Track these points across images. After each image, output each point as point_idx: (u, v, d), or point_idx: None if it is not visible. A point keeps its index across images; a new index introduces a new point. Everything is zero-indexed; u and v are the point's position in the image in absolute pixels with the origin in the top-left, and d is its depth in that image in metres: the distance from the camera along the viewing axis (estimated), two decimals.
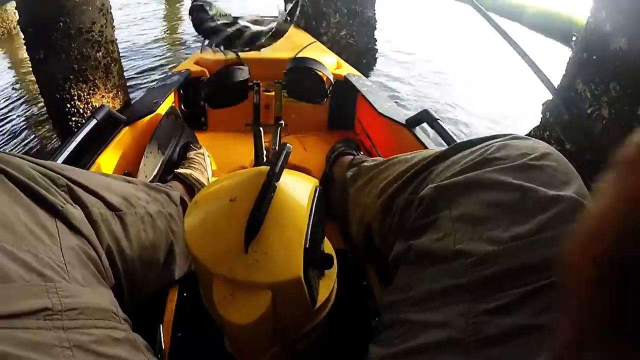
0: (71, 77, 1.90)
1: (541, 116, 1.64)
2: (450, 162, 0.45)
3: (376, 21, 2.97)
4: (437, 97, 2.86)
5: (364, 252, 0.64)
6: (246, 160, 1.12)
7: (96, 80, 1.93)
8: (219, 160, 1.11)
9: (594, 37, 1.39)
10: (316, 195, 0.43)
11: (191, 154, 0.97)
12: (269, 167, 0.39)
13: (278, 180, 0.39)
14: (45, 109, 2.09)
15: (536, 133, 1.66)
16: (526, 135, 1.73)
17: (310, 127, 1.29)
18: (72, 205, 0.42)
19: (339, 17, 2.76)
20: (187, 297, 0.66)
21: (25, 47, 1.96)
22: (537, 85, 1.15)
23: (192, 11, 0.73)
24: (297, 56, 1.30)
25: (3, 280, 0.29)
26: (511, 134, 0.45)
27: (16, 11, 1.97)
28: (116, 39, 2.05)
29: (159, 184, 0.71)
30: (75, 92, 1.92)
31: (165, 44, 3.80)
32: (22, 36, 1.94)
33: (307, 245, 0.38)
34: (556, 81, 1.54)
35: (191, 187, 0.81)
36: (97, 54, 1.92)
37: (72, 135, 0.80)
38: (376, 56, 3.01)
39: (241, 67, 0.93)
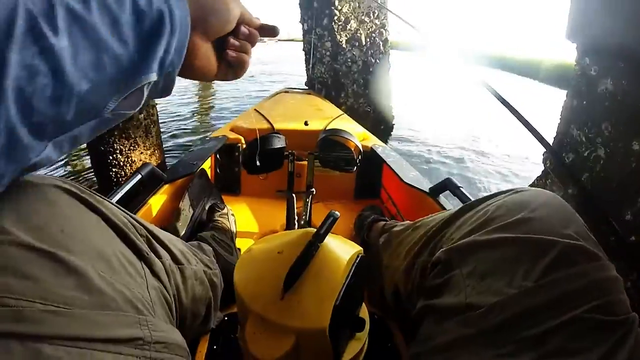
0: (116, 133, 2.23)
1: (543, 165, 1.57)
2: (459, 224, 0.51)
3: (390, 90, 3.18)
4: (454, 165, 2.84)
5: (394, 313, 0.68)
6: (277, 224, 1.15)
7: (137, 138, 2.25)
8: (250, 224, 1.15)
9: (581, 83, 1.38)
10: (357, 261, 0.47)
11: (216, 216, 1.03)
12: (316, 230, 0.45)
13: (321, 241, 0.44)
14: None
15: (539, 182, 1.57)
16: (530, 185, 1.64)
17: (338, 196, 1.32)
18: (152, 254, 0.46)
19: (356, 87, 3.02)
20: (216, 348, 0.71)
21: None
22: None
23: None
24: (327, 128, 1.24)
25: (103, 307, 0.32)
26: (513, 189, 0.50)
27: None
28: (157, 104, 2.43)
29: (202, 243, 0.78)
30: (118, 147, 2.24)
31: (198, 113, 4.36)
32: None
33: (338, 303, 0.41)
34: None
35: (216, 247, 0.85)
36: (140, 115, 2.28)
37: (117, 188, 0.84)
38: (393, 123, 3.16)
39: (278, 135, 0.98)
